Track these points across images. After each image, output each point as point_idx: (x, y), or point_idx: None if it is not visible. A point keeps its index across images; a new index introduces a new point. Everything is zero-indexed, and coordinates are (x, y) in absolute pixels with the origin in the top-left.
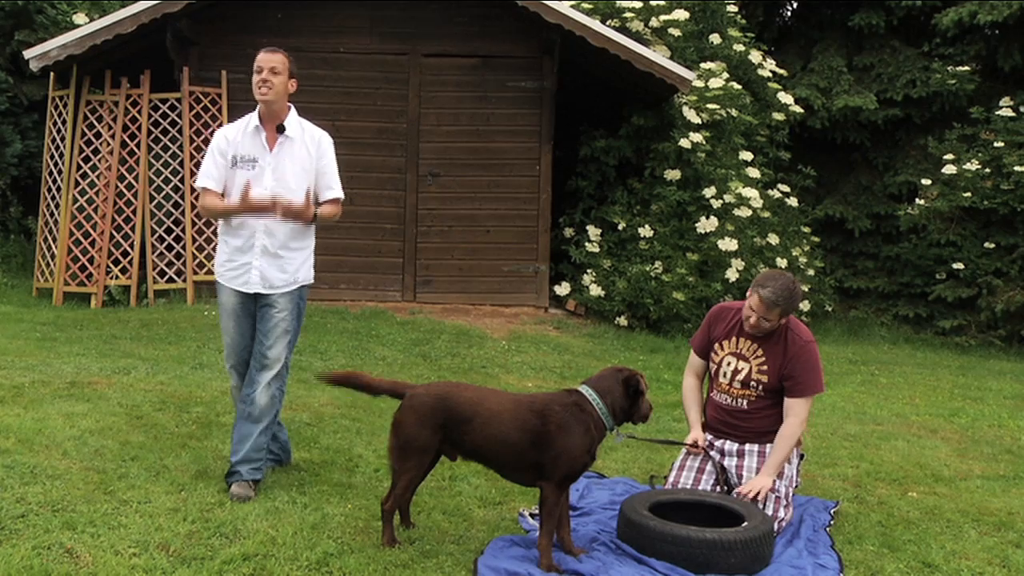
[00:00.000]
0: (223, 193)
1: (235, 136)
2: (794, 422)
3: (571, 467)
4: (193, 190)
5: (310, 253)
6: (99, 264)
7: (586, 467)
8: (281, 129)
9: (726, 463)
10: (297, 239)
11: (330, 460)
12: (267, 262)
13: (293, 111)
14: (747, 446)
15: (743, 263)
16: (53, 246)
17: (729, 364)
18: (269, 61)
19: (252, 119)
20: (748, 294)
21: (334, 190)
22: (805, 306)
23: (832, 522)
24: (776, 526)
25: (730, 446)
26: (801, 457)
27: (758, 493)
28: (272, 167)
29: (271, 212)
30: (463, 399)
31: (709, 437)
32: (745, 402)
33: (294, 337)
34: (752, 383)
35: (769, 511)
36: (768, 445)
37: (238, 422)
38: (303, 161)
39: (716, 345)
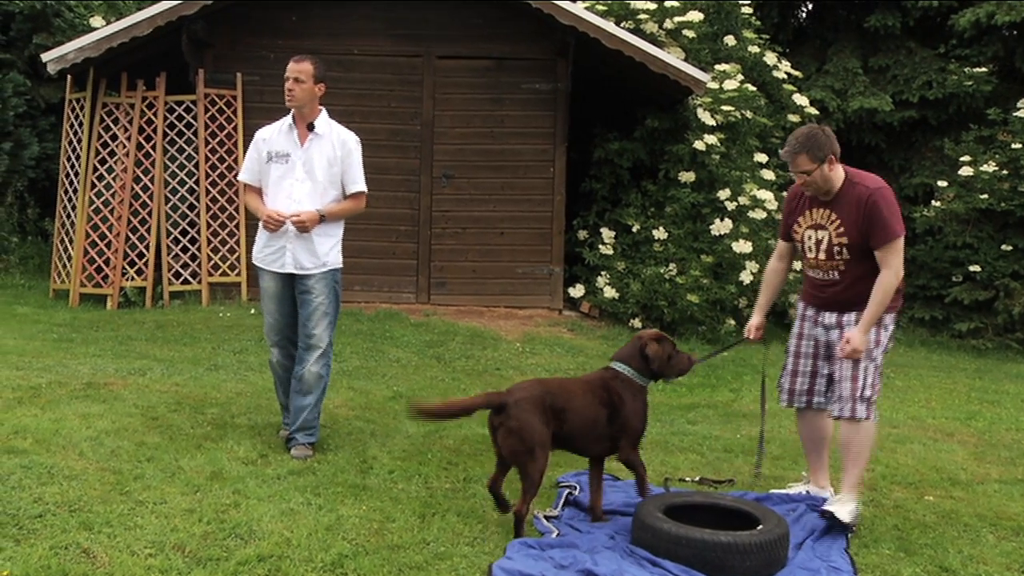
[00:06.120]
0: (259, 185)
1: (271, 135)
2: (887, 272)
3: (637, 427)
4: (208, 191)
5: (338, 241)
6: (115, 266)
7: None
8: (311, 127)
9: (826, 336)
10: (325, 226)
11: (344, 462)
12: (299, 246)
13: (324, 113)
14: (845, 317)
15: (757, 265)
16: (70, 248)
17: (810, 237)
18: (294, 71)
19: (287, 119)
20: None
21: (358, 184)
22: None
23: None
24: (871, 395)
25: (829, 318)
26: (899, 312)
27: (856, 351)
28: (302, 160)
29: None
30: (558, 389)
31: (811, 310)
32: (836, 273)
33: (334, 318)
34: (835, 249)
35: (870, 379)
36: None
37: (292, 395)
38: (330, 156)
39: (795, 225)
